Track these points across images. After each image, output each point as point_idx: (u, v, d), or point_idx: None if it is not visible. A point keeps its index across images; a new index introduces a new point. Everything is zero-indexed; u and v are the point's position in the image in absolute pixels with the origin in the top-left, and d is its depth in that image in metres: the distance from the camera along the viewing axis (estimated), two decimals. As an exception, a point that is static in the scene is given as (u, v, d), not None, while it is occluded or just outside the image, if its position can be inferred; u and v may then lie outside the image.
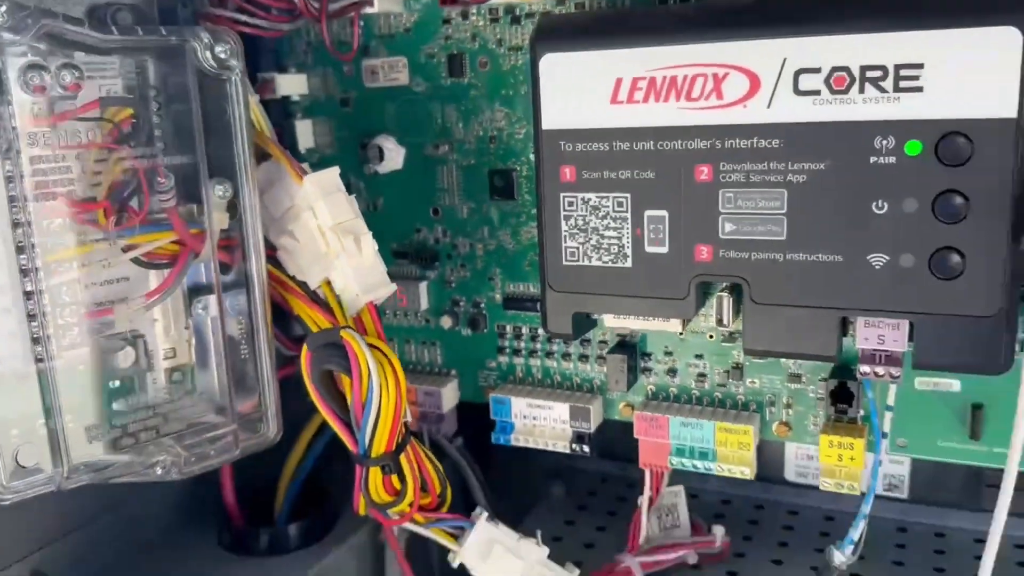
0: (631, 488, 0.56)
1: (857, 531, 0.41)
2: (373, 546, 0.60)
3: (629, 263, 0.44)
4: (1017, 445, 0.38)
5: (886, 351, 0.40)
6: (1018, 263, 0.37)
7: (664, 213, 0.43)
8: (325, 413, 0.46)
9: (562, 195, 0.45)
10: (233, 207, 0.44)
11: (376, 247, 0.46)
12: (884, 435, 0.43)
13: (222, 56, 0.41)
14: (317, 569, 0.56)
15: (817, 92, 0.39)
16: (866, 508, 0.41)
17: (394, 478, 0.47)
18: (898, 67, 0.37)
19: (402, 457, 0.47)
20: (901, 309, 0.39)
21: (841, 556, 0.41)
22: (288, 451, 0.60)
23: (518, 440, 0.54)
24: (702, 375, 0.51)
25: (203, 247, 0.43)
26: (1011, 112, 0.36)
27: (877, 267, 0.39)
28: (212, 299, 0.45)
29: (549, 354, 0.55)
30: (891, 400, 0.43)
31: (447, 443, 0.55)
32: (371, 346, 0.44)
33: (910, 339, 0.40)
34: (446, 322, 0.57)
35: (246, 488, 0.60)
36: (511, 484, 0.61)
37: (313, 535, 0.58)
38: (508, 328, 0.56)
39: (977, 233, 0.37)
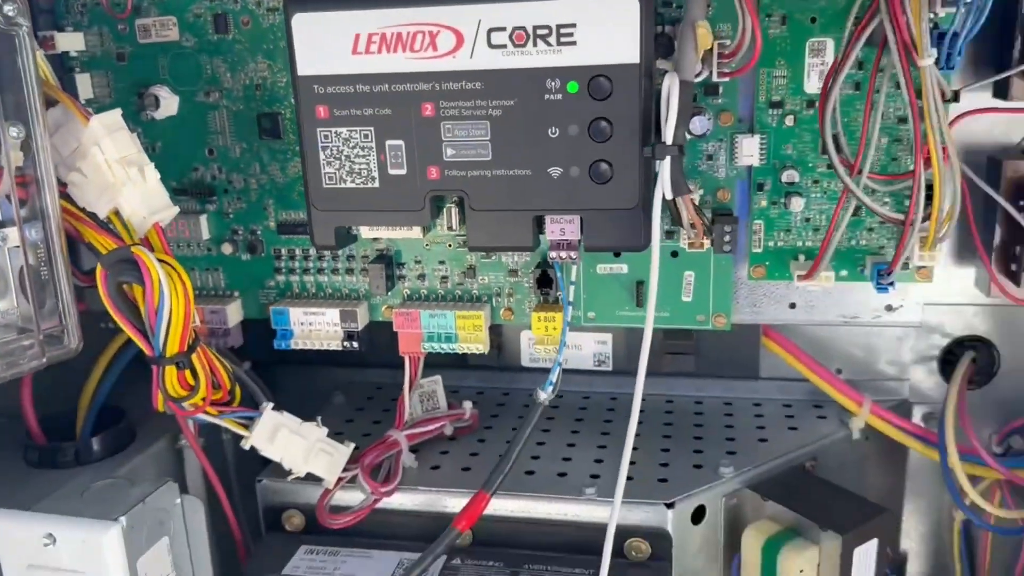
0: (403, 391, 0.67)
1: (554, 375, 0.55)
2: (172, 451, 0.67)
3: (377, 184, 0.55)
4: (651, 309, 0.52)
5: (566, 240, 0.54)
6: (649, 167, 0.52)
7: (401, 142, 0.54)
8: (121, 322, 0.53)
9: (319, 130, 0.54)
10: (27, 147, 0.50)
11: (159, 176, 0.53)
12: (570, 303, 0.57)
13: (10, 14, 0.47)
14: (122, 473, 0.63)
15: (504, 46, 0.50)
16: (560, 357, 0.55)
17: (188, 374, 0.54)
18: (559, 26, 0.49)
19: (194, 357, 0.54)
20: (574, 207, 0.52)
21: (543, 394, 0.54)
22: (85, 379, 0.66)
23: (297, 344, 0.63)
24: (444, 277, 0.63)
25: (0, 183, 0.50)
26: (635, 59, 0.49)
27: (555, 177, 0.52)
28: (10, 231, 0.51)
29: (320, 270, 0.65)
30: (574, 277, 0.57)
31: (234, 366, 0.61)
32: (160, 261, 0.52)
33: (582, 230, 0.54)
34: (227, 249, 0.65)
35: (47, 418, 0.65)
36: (295, 399, 0.70)
37: (115, 446, 0.65)
38: (283, 251, 0.65)
39: (619, 149, 0.51)
